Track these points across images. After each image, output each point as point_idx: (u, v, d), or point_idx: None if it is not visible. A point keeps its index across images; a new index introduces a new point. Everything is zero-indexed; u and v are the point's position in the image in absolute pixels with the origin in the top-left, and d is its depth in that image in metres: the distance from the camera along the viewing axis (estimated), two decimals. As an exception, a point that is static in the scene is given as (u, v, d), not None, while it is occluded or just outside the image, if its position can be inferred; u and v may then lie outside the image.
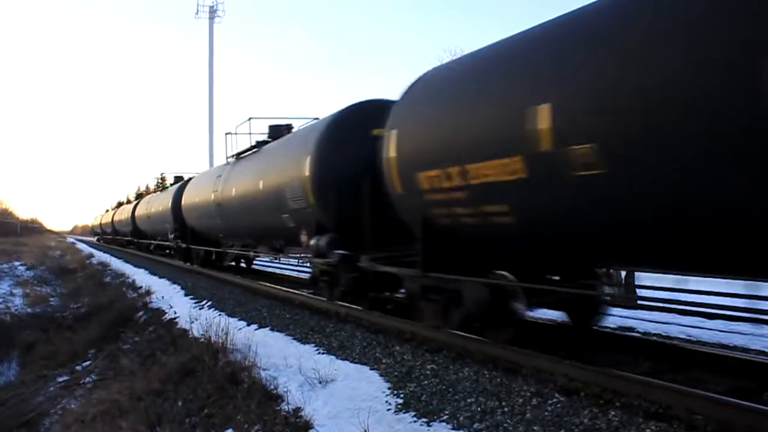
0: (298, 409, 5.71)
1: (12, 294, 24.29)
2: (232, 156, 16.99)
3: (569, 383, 5.31)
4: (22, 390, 11.73)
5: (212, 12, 49.20)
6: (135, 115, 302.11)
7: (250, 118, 16.54)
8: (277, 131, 14.48)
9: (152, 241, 31.02)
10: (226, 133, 17.69)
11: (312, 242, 10.35)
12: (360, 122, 9.94)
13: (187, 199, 21.15)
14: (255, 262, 21.57)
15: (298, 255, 14.54)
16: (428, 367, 6.32)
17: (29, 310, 20.36)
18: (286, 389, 6.23)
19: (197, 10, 49.17)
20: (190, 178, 23.98)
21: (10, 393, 11.70)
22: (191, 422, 6.55)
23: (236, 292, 14.13)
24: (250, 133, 16.25)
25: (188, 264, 22.14)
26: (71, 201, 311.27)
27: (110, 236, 53.93)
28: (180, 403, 7.06)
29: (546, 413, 4.78)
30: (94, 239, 78.07)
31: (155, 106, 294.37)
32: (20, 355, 15.59)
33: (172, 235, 23.38)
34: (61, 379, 11.77)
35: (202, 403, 6.79)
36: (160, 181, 64.29)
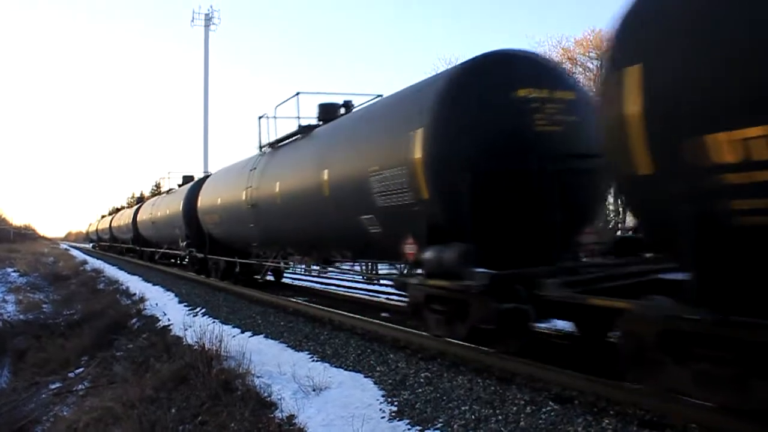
0: (291, 417, 5.70)
1: (4, 300, 24.11)
2: (267, 145, 13.43)
3: (563, 391, 5.32)
4: (13, 397, 11.64)
5: (207, 20, 49.43)
6: (130, 122, 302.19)
7: (298, 93, 12.23)
8: (330, 111, 11.39)
9: (158, 250, 27.80)
10: (260, 117, 13.54)
11: (426, 255, 6.94)
12: (494, 80, 6.96)
13: (204, 200, 17.61)
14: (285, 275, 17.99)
15: (364, 269, 11.28)
16: (422, 375, 6.32)
17: (22, 316, 20.21)
18: (280, 397, 6.22)
19: (193, 18, 49.47)
20: (206, 176, 20.26)
21: (2, 400, 11.61)
22: (185, 430, 6.51)
23: (230, 300, 14.11)
24: (298, 117, 12.16)
25: (202, 276, 19.24)
26: (65, 207, 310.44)
27: (108, 243, 50.52)
28: (173, 411, 7.02)
29: (540, 421, 4.79)
30: (89, 246, 77.07)
31: (150, 112, 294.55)
32: (12, 362, 15.49)
33: (184, 243, 20.06)
34: (53, 386, 11.69)
35: (196, 411, 6.76)
36: (155, 188, 63.83)
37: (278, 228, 12.33)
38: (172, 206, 22.48)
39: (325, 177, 9.49)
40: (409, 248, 7.57)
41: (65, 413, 9.57)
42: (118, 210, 49.73)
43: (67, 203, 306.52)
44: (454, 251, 6.57)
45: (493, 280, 6.20)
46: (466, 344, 7.04)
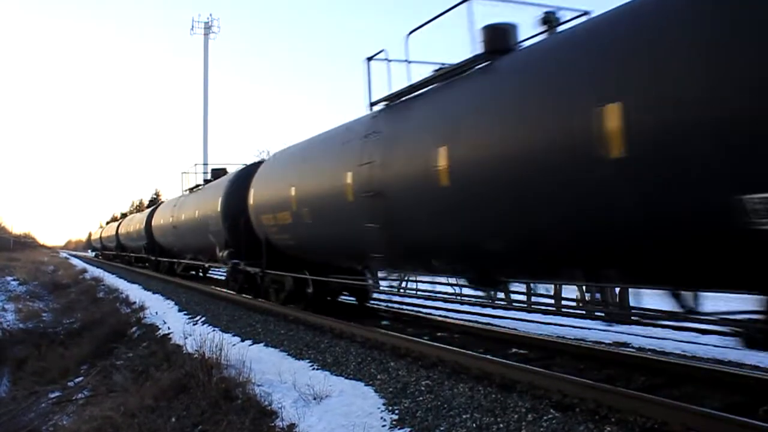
0: (292, 426, 5.69)
1: (4, 309, 24.07)
2: (390, 97, 8.60)
3: (564, 399, 5.31)
4: (13, 406, 11.59)
5: (207, 28, 49.61)
6: (130, 130, 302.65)
7: (463, 1, 6.97)
8: (501, 38, 6.92)
9: (180, 261, 23.12)
10: (369, 58, 8.76)
11: None
12: None
13: (262, 193, 12.72)
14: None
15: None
16: (423, 383, 6.31)
17: (21, 325, 20.17)
18: (280, 405, 6.21)
19: (192, 26, 49.63)
20: (260, 161, 15.73)
21: (1, 409, 11.57)
22: (185, 439, 6.50)
23: (230, 308, 14.09)
24: (480, 47, 6.98)
25: (244, 296, 15.07)
26: (65, 216, 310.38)
27: (113, 252, 45.12)
28: (174, 420, 7.01)
29: (542, 429, 4.78)
30: (90, 254, 76.01)
31: (150, 120, 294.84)
32: (12, 371, 15.44)
33: (225, 252, 15.66)
34: (53, 396, 11.65)
35: (196, 420, 6.74)
36: (155, 196, 63.58)
37: (438, 229, 7.25)
38: (204, 206, 17.61)
39: (616, 122, 4.71)
40: None
41: (65, 422, 9.53)
42: (125, 215, 47.49)
43: (67, 212, 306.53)
44: None
45: None
46: (466, 351, 7.01)
